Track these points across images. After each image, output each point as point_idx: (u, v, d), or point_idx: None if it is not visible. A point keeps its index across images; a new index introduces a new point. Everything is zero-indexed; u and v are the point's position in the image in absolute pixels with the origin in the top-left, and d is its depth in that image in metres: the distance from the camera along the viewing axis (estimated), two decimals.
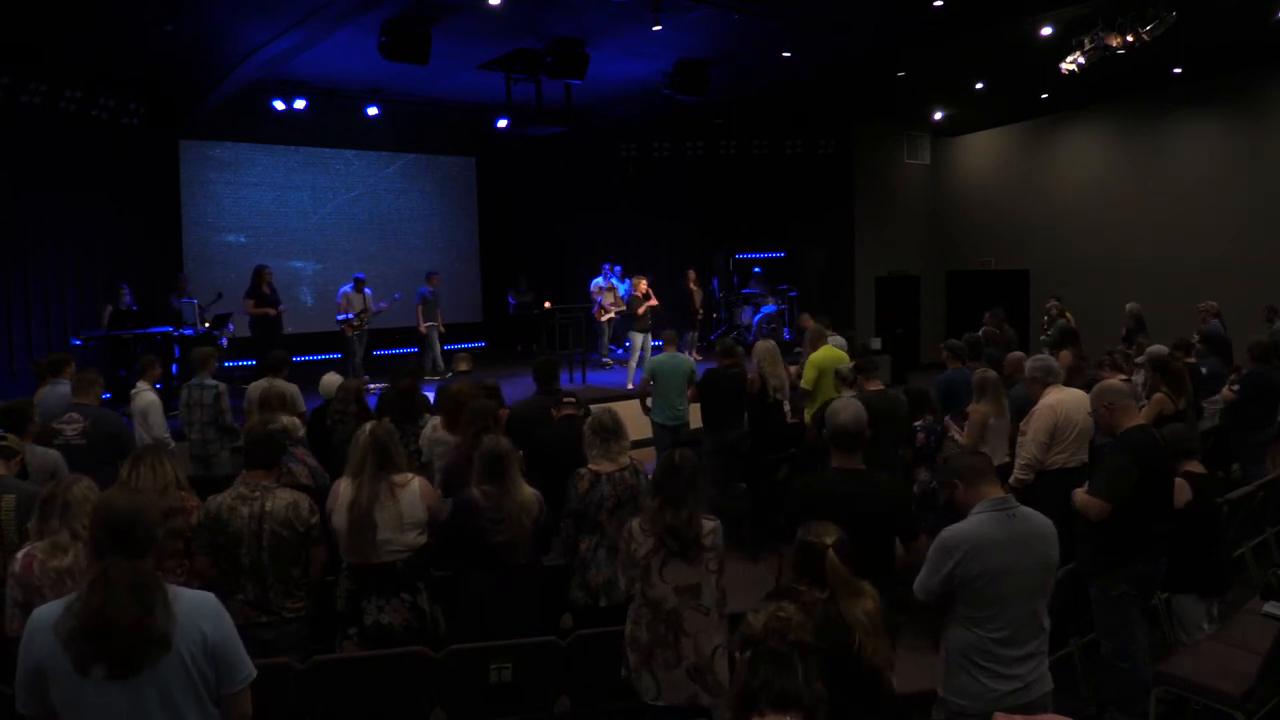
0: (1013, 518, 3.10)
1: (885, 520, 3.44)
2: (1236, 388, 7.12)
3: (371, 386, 10.39)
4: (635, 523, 3.53)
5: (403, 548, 3.78)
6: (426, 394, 6.46)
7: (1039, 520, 3.16)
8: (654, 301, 12.16)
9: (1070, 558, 4.49)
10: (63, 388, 6.07)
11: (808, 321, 9.11)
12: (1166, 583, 4.54)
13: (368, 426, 3.93)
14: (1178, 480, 4.49)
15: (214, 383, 6.78)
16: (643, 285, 12.22)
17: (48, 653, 2.12)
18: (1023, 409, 5.56)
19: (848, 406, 3.64)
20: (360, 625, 3.77)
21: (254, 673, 2.33)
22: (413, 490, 3.83)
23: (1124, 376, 6.52)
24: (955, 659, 3.12)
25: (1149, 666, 4.13)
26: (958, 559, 3.03)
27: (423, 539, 3.84)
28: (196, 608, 2.24)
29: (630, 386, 10.78)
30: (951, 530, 3.12)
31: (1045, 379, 5.33)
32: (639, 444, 7.29)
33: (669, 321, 12.11)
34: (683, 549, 3.40)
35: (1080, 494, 4.11)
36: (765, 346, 7.53)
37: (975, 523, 3.10)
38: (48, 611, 2.19)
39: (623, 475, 4.11)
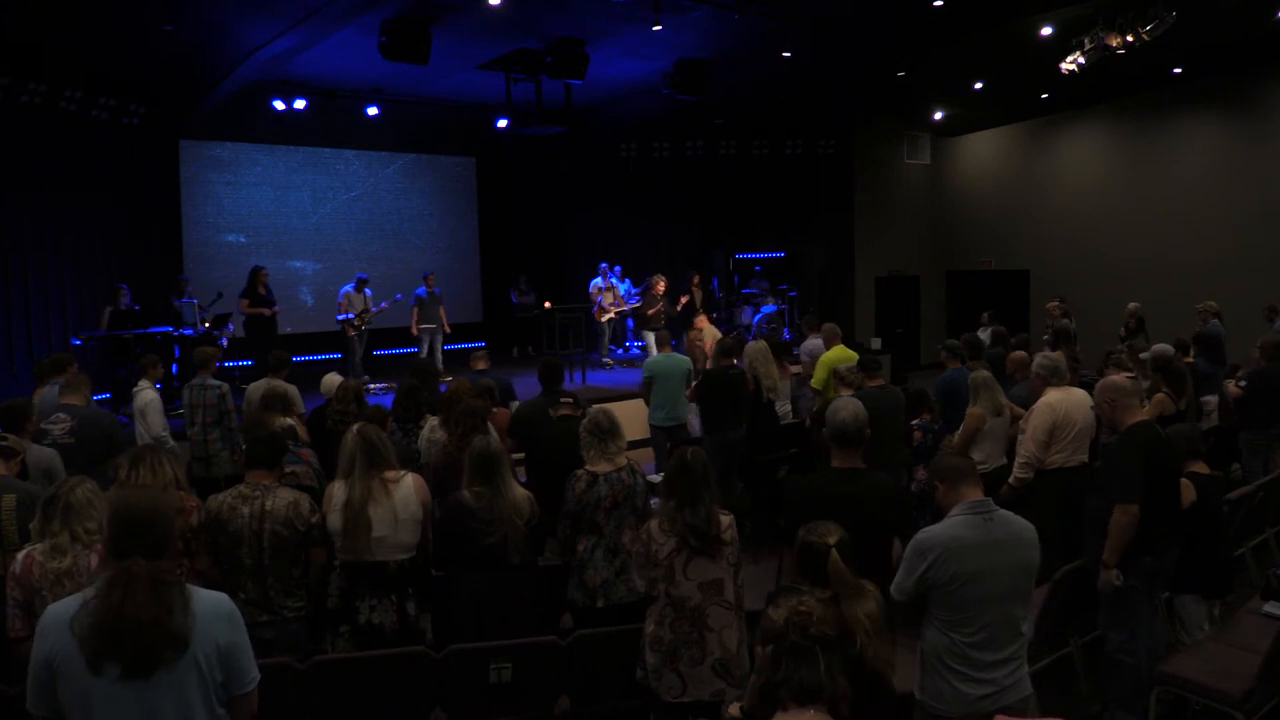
0: (989, 520, 3.06)
1: (883, 520, 3.43)
2: (1243, 384, 7.11)
3: (372, 386, 10.41)
4: (654, 524, 3.54)
5: (399, 545, 3.78)
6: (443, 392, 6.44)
7: (1018, 524, 3.12)
8: (660, 306, 12.19)
9: (1071, 556, 4.50)
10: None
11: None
12: (1170, 582, 4.54)
13: (355, 427, 3.94)
14: (1182, 480, 4.49)
15: (217, 383, 6.78)
16: (660, 286, 12.22)
17: (60, 648, 2.11)
18: (1024, 408, 5.56)
19: (847, 405, 3.62)
20: (353, 624, 3.77)
21: (258, 675, 2.34)
22: (406, 486, 3.84)
23: (1131, 375, 6.52)
24: (930, 661, 3.11)
25: (1151, 663, 4.12)
26: (930, 561, 3.01)
27: (419, 536, 3.85)
28: (213, 609, 2.24)
29: None
30: (926, 532, 3.10)
31: (1048, 378, 5.32)
32: (637, 444, 7.29)
33: (674, 323, 12.15)
34: (704, 546, 3.43)
35: (1114, 523, 3.99)
36: (757, 347, 7.54)
37: (950, 525, 3.08)
38: (64, 606, 2.18)
39: (620, 475, 4.11)
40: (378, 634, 3.74)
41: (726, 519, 3.52)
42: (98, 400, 7.59)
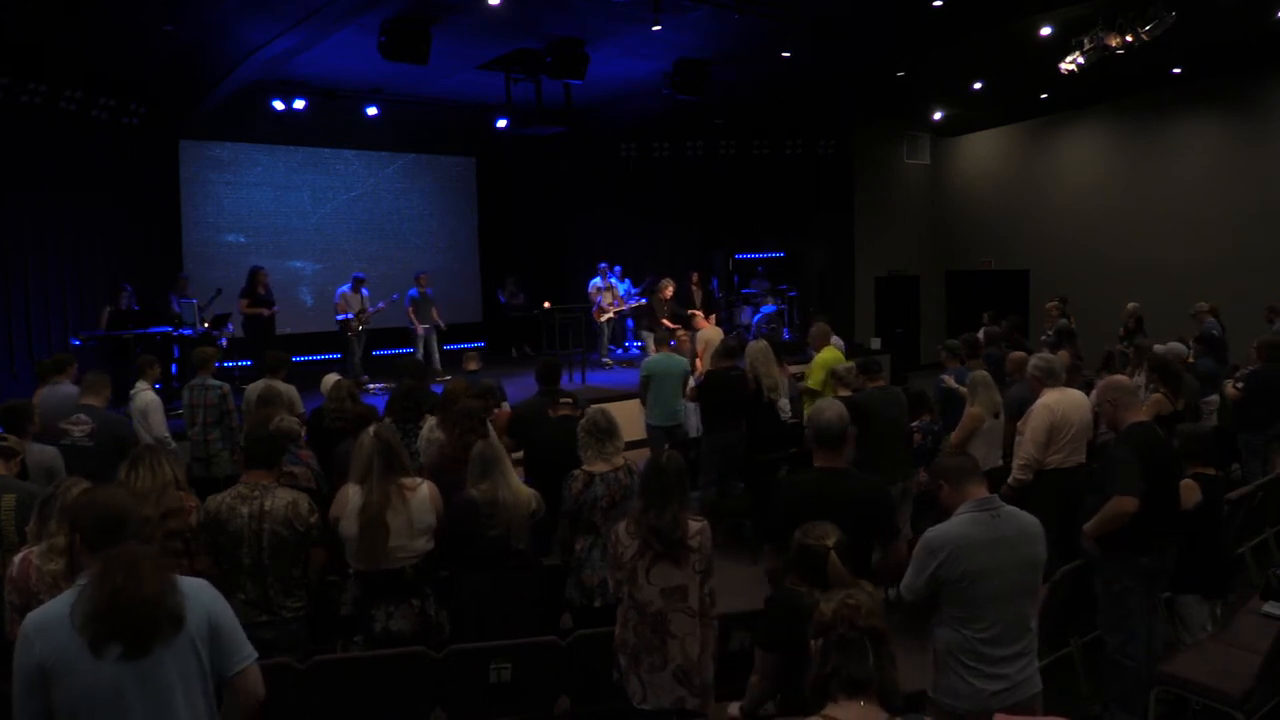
0: (996, 518, 3.09)
1: (867, 522, 3.34)
2: (1240, 385, 7.10)
3: (371, 386, 10.41)
4: (622, 525, 3.53)
5: (413, 553, 3.76)
6: (436, 393, 6.45)
7: (1025, 520, 3.15)
8: (668, 309, 12.15)
9: (1071, 556, 4.49)
10: (64, 388, 6.08)
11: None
12: (1171, 582, 4.54)
13: (371, 429, 3.89)
14: (1187, 481, 4.48)
15: (217, 383, 6.79)
16: (668, 290, 12.21)
17: (52, 650, 2.09)
18: (1023, 408, 5.56)
19: (831, 405, 3.61)
20: (369, 633, 3.74)
21: (255, 653, 2.38)
22: (422, 495, 3.80)
23: (1142, 373, 6.54)
24: (943, 659, 3.13)
25: (1151, 662, 4.12)
26: (940, 560, 3.03)
27: (431, 544, 3.82)
28: (197, 592, 2.30)
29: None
30: (934, 531, 3.12)
31: (1045, 379, 5.32)
32: (636, 444, 7.28)
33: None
34: (668, 550, 3.39)
35: (1108, 507, 4.01)
36: (758, 347, 7.53)
37: (958, 523, 3.10)
38: (45, 612, 2.17)
39: (617, 475, 4.11)
40: (396, 641, 3.70)
41: (696, 525, 3.48)
42: None
